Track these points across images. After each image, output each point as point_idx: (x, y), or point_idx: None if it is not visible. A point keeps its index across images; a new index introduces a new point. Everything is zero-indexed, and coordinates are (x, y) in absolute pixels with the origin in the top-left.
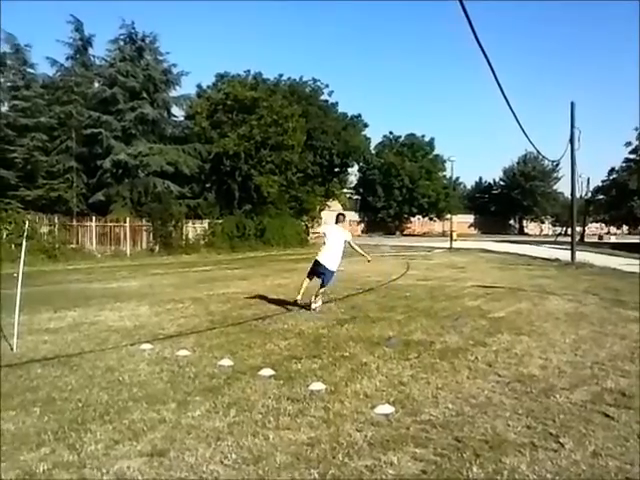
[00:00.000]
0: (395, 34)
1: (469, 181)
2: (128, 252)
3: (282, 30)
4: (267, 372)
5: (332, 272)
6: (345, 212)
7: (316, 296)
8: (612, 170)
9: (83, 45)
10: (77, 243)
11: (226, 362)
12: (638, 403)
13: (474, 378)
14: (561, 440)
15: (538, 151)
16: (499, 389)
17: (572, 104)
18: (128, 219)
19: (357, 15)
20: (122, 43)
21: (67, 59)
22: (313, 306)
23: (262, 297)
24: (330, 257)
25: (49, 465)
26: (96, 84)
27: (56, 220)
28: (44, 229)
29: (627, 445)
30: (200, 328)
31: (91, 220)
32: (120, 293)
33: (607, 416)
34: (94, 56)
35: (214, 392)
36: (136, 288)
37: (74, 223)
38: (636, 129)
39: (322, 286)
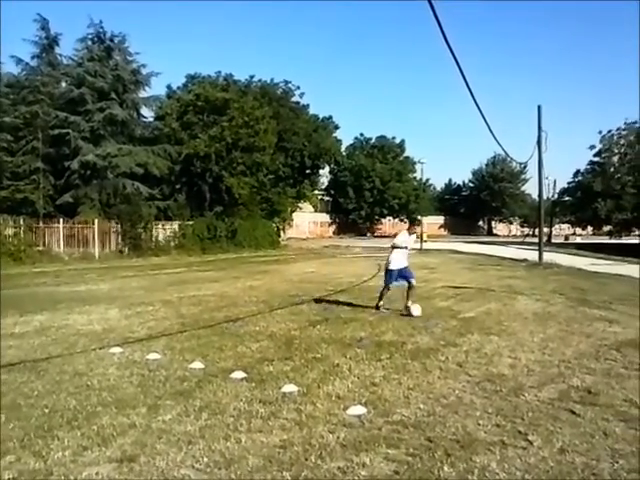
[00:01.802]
0: (366, 36)
1: (439, 183)
2: (97, 254)
3: (253, 31)
4: (239, 375)
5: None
6: (316, 214)
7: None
8: (577, 172)
9: (49, 44)
10: (44, 245)
11: (197, 365)
12: (603, 400)
13: (445, 378)
14: (529, 438)
15: (506, 153)
16: (469, 389)
17: (539, 107)
18: (97, 221)
19: (328, 17)
20: (90, 42)
21: (33, 58)
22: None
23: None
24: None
25: (14, 473)
26: (63, 84)
27: (22, 222)
28: (9, 231)
29: (593, 441)
30: (171, 331)
31: (58, 222)
32: (89, 296)
33: (573, 413)
34: (61, 55)
35: (185, 396)
36: (105, 291)
37: (40, 225)
38: (600, 132)
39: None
